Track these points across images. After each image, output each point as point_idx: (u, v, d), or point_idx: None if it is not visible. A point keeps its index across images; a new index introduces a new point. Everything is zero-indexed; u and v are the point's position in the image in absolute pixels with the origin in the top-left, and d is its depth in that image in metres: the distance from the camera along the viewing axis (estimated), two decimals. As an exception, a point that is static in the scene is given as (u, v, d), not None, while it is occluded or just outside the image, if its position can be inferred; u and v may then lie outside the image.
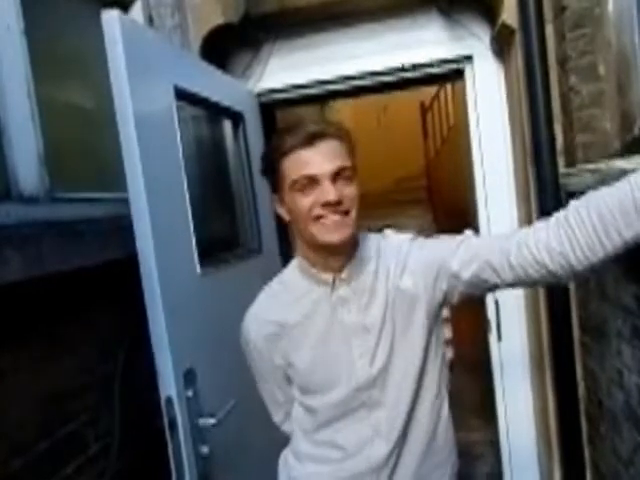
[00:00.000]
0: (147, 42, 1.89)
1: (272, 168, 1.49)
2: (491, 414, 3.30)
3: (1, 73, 1.71)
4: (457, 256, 1.48)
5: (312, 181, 1.41)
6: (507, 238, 1.43)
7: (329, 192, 1.38)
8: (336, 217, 1.41)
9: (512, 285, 1.47)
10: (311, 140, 1.41)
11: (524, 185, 2.62)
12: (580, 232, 1.26)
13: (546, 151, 2.28)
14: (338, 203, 1.39)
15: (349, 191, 1.42)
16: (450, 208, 8.71)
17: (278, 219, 2.93)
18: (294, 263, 1.65)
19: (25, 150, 1.76)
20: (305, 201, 1.42)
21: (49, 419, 1.67)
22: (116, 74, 1.70)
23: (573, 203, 1.31)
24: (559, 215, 1.33)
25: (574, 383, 2.34)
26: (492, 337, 2.98)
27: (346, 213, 1.42)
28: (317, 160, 1.40)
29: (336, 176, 1.41)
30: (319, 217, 1.41)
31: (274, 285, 1.68)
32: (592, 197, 1.27)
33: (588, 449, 2.35)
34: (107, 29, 1.68)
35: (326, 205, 1.39)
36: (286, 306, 1.59)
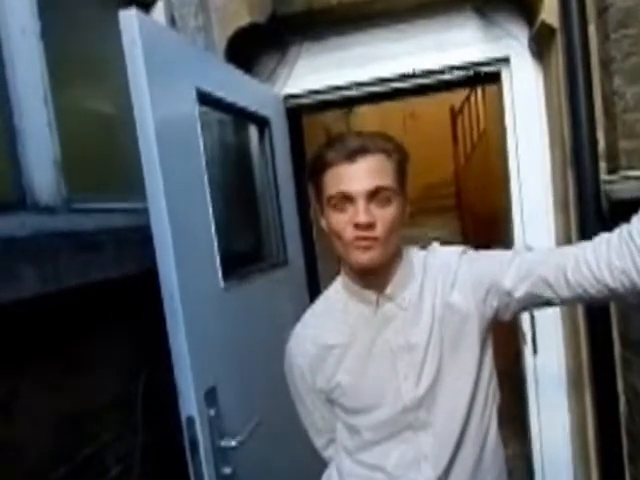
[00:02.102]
0: (168, 43, 1.84)
1: (313, 179, 1.45)
2: (521, 427, 3.26)
3: (16, 78, 1.67)
4: (510, 273, 1.41)
5: (347, 199, 1.36)
6: (564, 253, 1.36)
7: (361, 214, 1.33)
8: (366, 243, 1.35)
9: (569, 302, 1.41)
10: (352, 156, 1.35)
11: (563, 193, 2.56)
12: None
13: (587, 157, 2.22)
14: (369, 226, 1.34)
15: (385, 214, 1.36)
16: (479, 216, 8.63)
17: (303, 228, 2.88)
18: (338, 280, 1.60)
19: (41, 158, 1.72)
20: (339, 220, 1.37)
21: (68, 441, 1.62)
22: (135, 77, 1.65)
23: (637, 216, 1.22)
24: (622, 229, 1.25)
25: (615, 399, 2.28)
26: (527, 350, 2.91)
27: (376, 240, 1.35)
28: (354, 178, 1.35)
29: (373, 196, 1.35)
30: (350, 240, 1.36)
31: (319, 304, 1.65)
32: None
33: (629, 469, 2.29)
34: (125, 30, 1.63)
35: (357, 227, 1.34)
36: (330, 326, 1.55)
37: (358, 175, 1.35)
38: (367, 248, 1.35)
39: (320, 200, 1.44)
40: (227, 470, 1.83)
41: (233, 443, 1.85)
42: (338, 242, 1.40)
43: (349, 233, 1.35)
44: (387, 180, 1.37)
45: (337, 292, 1.58)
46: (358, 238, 1.34)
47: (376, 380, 1.48)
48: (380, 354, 1.48)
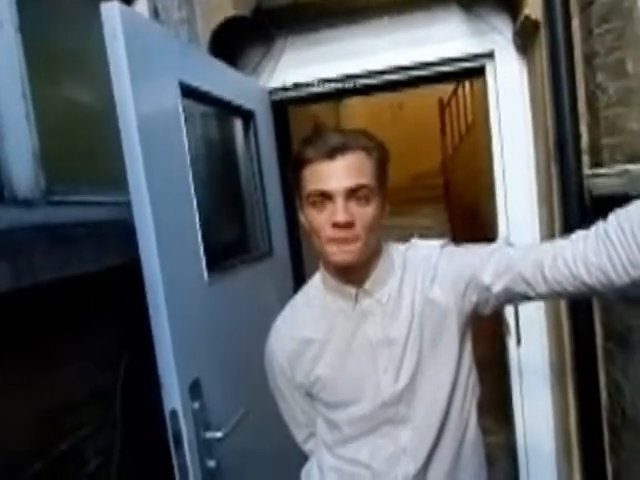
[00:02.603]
0: (150, 36, 1.82)
1: (294, 176, 1.43)
2: (505, 416, 3.29)
3: (-6, 70, 1.65)
4: (489, 268, 1.42)
5: (326, 197, 1.34)
6: (542, 249, 1.36)
7: (339, 213, 1.32)
8: (345, 245, 1.35)
9: (547, 297, 1.43)
10: (331, 153, 1.34)
11: (546, 187, 2.55)
12: (621, 245, 1.18)
13: (571, 151, 2.22)
14: (348, 225, 1.33)
15: (364, 213, 1.35)
16: (466, 208, 8.65)
17: (289, 220, 2.88)
18: (317, 275, 1.60)
19: (20, 150, 1.69)
20: (318, 218, 1.36)
21: (45, 436, 1.61)
22: (117, 70, 1.63)
23: (613, 214, 1.23)
24: (598, 226, 1.26)
25: (597, 391, 2.29)
26: (511, 341, 2.91)
27: (355, 239, 1.35)
28: (333, 176, 1.33)
29: (352, 194, 1.34)
30: (329, 239, 1.35)
31: (298, 298, 1.64)
32: (634, 207, 1.19)
33: (610, 460, 2.29)
34: (107, 22, 1.61)
35: (336, 225, 1.33)
36: (310, 320, 1.55)
37: (337, 173, 1.33)
38: (346, 249, 1.34)
39: (300, 196, 1.43)
40: (211, 463, 1.83)
41: (218, 435, 1.84)
42: (317, 240, 1.40)
43: (328, 232, 1.34)
44: (366, 178, 1.35)
45: (316, 287, 1.58)
46: (337, 239, 1.34)
47: (355, 375, 1.48)
48: (359, 349, 1.48)
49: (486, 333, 4.43)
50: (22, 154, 1.70)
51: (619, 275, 1.19)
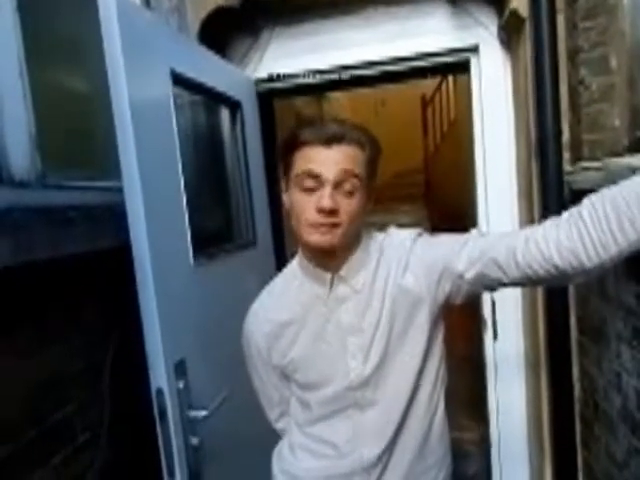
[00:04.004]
0: (144, 23, 1.84)
1: (285, 155, 1.45)
2: (481, 412, 3.28)
3: (-8, 52, 1.66)
4: (462, 256, 1.45)
5: (315, 181, 1.37)
6: (515, 235, 1.40)
7: (325, 199, 1.34)
8: (325, 228, 1.37)
9: (518, 282, 1.43)
10: (328, 141, 1.37)
11: (527, 182, 2.56)
12: (592, 225, 1.22)
13: (552, 147, 2.22)
14: (332, 212, 1.36)
15: (348, 204, 1.38)
16: (446, 205, 8.66)
17: (273, 210, 2.90)
18: (296, 260, 1.62)
19: (17, 133, 1.71)
20: (304, 201, 1.39)
21: (36, 408, 1.64)
22: (111, 56, 1.65)
23: (587, 198, 1.27)
24: (572, 210, 1.29)
25: (570, 385, 2.30)
26: (487, 336, 2.93)
27: (336, 226, 1.38)
28: (326, 163, 1.36)
29: (340, 184, 1.37)
30: (310, 224, 1.38)
31: (275, 282, 1.67)
32: (607, 190, 1.24)
33: (581, 452, 2.32)
34: (103, 9, 1.63)
35: (320, 211, 1.36)
36: (286, 304, 1.58)
37: (330, 161, 1.36)
38: (325, 232, 1.37)
39: (287, 177, 1.45)
40: (195, 440, 1.87)
41: (202, 414, 1.88)
42: (296, 221, 1.42)
43: (311, 216, 1.37)
44: (357, 169, 1.38)
45: (293, 271, 1.61)
46: (319, 224, 1.36)
47: (327, 358, 1.52)
48: (332, 333, 1.51)
49: (467, 333, 4.49)
50: (19, 136, 1.72)
51: (589, 257, 1.23)
